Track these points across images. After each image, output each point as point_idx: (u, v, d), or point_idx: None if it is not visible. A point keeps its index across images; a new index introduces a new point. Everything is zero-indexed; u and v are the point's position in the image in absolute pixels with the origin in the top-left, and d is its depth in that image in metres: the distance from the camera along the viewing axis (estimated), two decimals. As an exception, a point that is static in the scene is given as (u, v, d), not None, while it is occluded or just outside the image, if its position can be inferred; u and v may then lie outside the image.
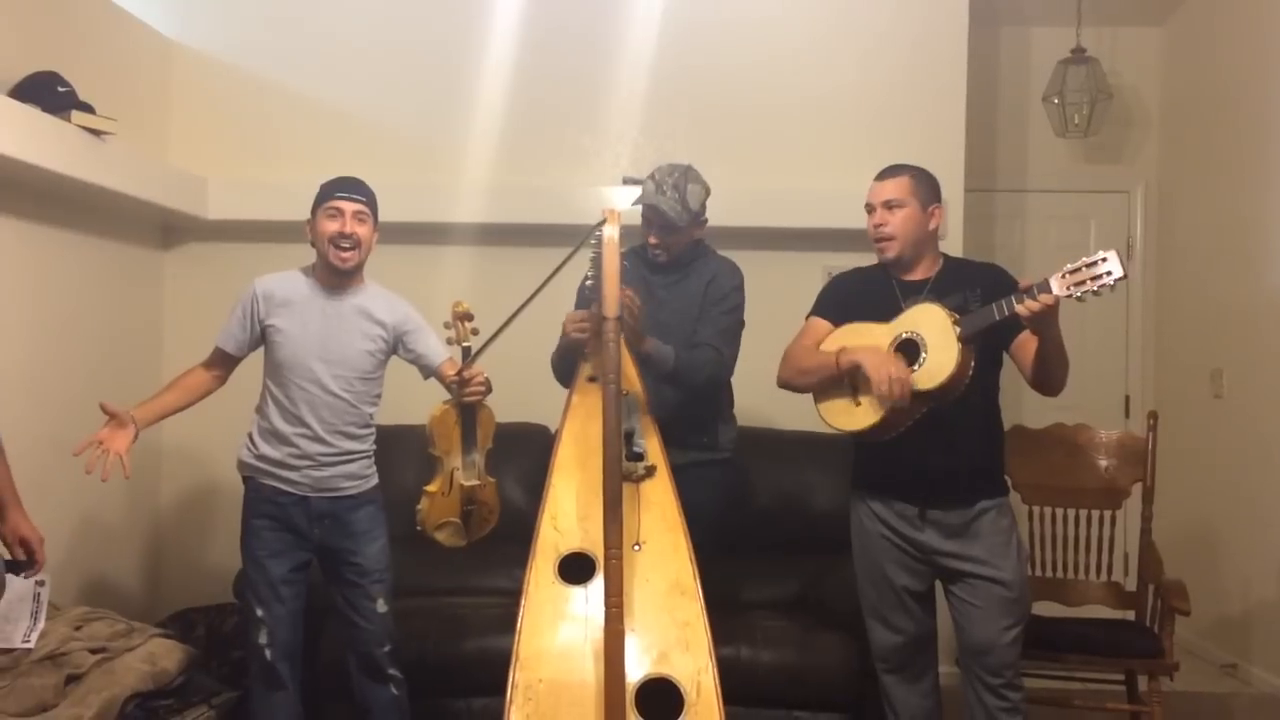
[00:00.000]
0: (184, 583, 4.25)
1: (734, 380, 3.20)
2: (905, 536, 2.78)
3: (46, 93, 3.31)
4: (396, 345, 3.05)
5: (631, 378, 2.83)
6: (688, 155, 3.19)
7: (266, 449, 2.97)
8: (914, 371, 2.61)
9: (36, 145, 3.16)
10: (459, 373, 2.83)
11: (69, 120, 3.34)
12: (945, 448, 2.69)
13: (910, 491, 2.76)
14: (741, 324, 3.13)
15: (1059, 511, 3.57)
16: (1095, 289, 2.41)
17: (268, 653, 2.94)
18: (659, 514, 2.64)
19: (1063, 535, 3.57)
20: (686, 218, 3.01)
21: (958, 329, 2.57)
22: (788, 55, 4.35)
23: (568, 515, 2.63)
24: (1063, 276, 2.44)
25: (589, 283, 2.90)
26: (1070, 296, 2.43)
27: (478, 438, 2.88)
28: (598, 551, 2.49)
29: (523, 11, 4.35)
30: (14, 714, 2.70)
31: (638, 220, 3.08)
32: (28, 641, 2.93)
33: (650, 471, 2.71)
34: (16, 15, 3.40)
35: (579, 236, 2.77)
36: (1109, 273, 2.40)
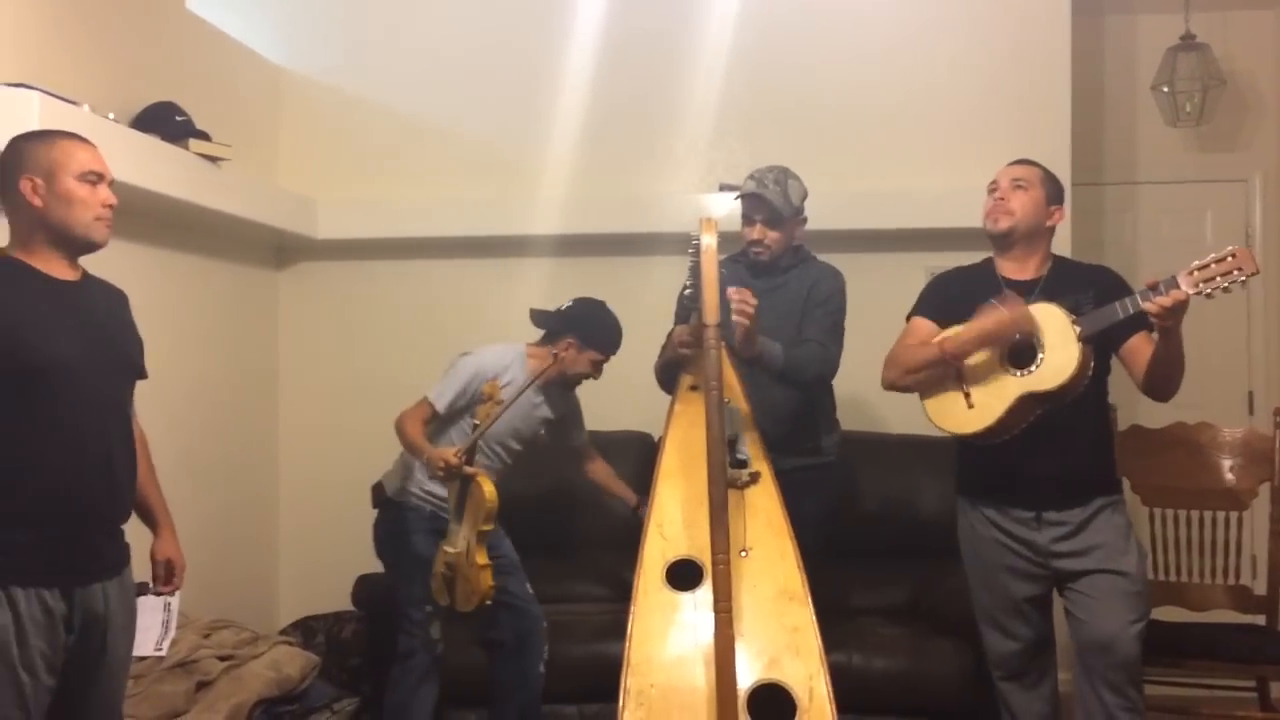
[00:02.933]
0: (304, 591, 4.37)
1: (837, 384, 3.18)
2: (1021, 539, 2.72)
3: (165, 122, 3.46)
4: None
5: (734, 388, 2.83)
6: (782, 158, 3.18)
7: (435, 488, 3.16)
8: (1031, 373, 2.57)
9: (157, 173, 3.30)
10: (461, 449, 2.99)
11: (187, 148, 3.48)
12: (1059, 451, 2.64)
13: (1025, 496, 2.70)
14: (843, 327, 3.12)
15: (1181, 513, 3.46)
16: (1225, 285, 2.33)
17: (440, 646, 3.16)
18: (765, 520, 2.64)
19: (1185, 538, 3.45)
20: (790, 210, 3.02)
21: (1077, 328, 2.51)
22: (883, 52, 4.30)
23: (674, 523, 2.64)
24: (1190, 273, 2.37)
25: (688, 292, 2.91)
26: (1200, 294, 2.35)
27: (465, 510, 2.96)
28: (705, 558, 2.49)
29: (613, 23, 4.37)
30: (147, 719, 2.82)
31: (735, 227, 3.09)
32: (160, 650, 3.06)
33: (755, 478, 2.70)
34: (135, 49, 3.55)
35: (674, 244, 2.78)
36: (1239, 269, 2.32)
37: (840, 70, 4.32)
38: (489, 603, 2.97)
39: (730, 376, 2.81)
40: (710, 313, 2.50)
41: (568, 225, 4.20)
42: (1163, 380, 2.60)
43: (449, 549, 2.97)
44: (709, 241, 2.53)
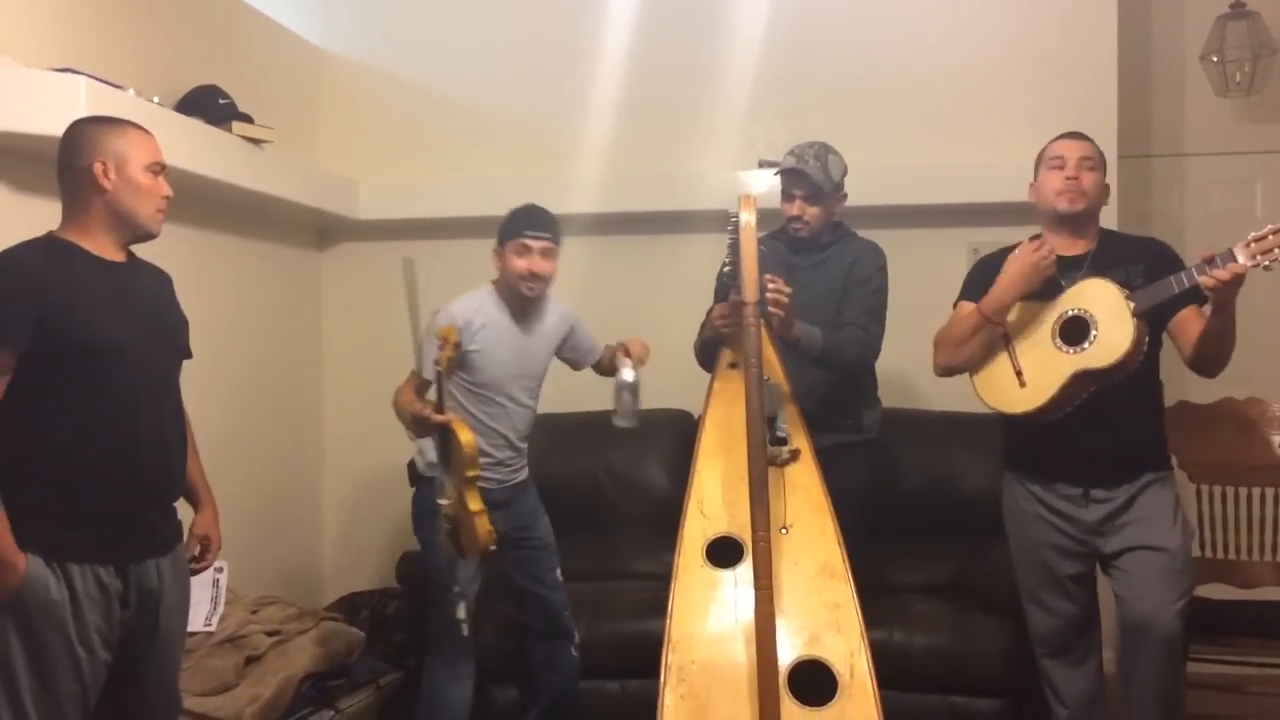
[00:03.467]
0: (348, 569, 4.43)
1: (879, 361, 3.16)
2: (1066, 516, 2.70)
3: (208, 105, 3.50)
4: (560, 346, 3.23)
5: (773, 365, 2.82)
6: (822, 134, 3.16)
7: None
8: (1084, 350, 2.53)
9: (201, 156, 3.33)
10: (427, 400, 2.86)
11: (230, 131, 3.52)
12: (1110, 427, 2.61)
13: (1074, 472, 2.68)
14: (885, 306, 3.10)
15: (1229, 490, 3.41)
16: None
17: (465, 627, 3.05)
18: (805, 497, 2.64)
19: (1234, 515, 3.40)
20: (830, 185, 3.01)
21: (1131, 304, 2.48)
22: (924, 25, 4.23)
23: (714, 500, 2.65)
24: (1248, 245, 2.33)
25: (727, 269, 2.90)
26: (1258, 266, 2.32)
27: (450, 462, 2.82)
28: (745, 535, 2.50)
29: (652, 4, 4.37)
30: (198, 693, 2.88)
31: (774, 204, 3.07)
32: (209, 625, 3.12)
33: (794, 455, 2.70)
34: (178, 33, 3.60)
35: (713, 222, 2.77)
36: None
37: (880, 43, 4.26)
38: (494, 548, 2.85)
39: (769, 354, 2.80)
40: (749, 290, 2.50)
41: (607, 203, 4.20)
42: (1213, 355, 2.57)
43: (443, 502, 2.86)
44: (748, 218, 2.53)
